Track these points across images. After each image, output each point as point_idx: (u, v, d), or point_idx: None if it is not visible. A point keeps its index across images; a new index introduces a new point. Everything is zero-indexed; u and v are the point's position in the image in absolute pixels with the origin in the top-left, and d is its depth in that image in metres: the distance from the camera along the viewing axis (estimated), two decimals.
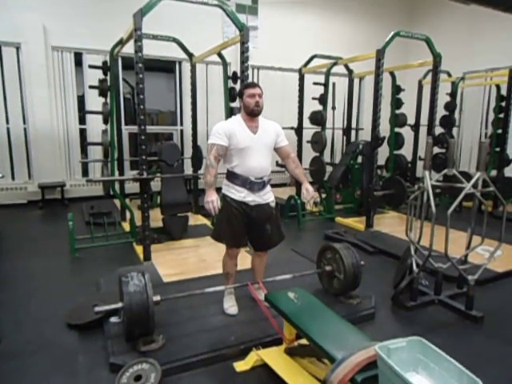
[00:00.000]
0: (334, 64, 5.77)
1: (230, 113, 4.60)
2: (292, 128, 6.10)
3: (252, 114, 2.50)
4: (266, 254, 2.85)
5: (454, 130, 7.05)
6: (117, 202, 5.78)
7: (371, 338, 1.81)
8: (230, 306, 2.72)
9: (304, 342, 2.10)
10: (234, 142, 2.48)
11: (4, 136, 6.25)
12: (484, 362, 2.31)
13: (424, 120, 5.58)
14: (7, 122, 6.26)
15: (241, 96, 2.55)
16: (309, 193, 2.71)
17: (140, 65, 3.32)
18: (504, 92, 6.30)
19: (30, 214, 5.90)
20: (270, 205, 2.67)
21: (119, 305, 2.27)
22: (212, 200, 2.47)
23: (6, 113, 6.24)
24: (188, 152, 6.62)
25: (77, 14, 6.30)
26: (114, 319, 2.54)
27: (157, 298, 2.34)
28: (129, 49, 3.83)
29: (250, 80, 3.97)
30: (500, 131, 6.29)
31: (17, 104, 6.28)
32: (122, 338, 2.31)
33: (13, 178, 6.43)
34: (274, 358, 2.19)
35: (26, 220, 5.59)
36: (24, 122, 6.36)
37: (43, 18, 6.07)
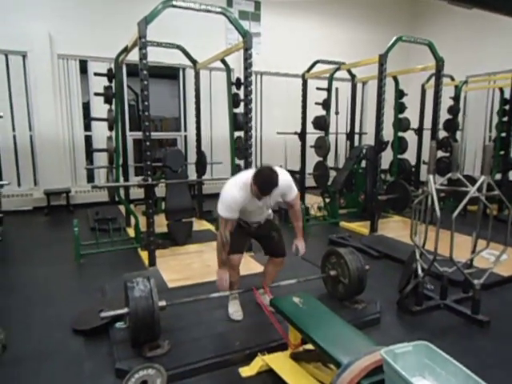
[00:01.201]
0: (337, 69, 5.79)
1: (233, 119, 4.63)
2: (295, 133, 6.13)
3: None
4: (280, 263, 2.83)
5: (458, 134, 7.04)
6: (122, 207, 5.80)
7: (377, 343, 1.81)
8: (235, 311, 2.72)
9: (309, 347, 2.10)
10: (242, 209, 2.48)
11: (10, 143, 6.31)
12: (491, 367, 2.29)
13: (427, 124, 5.58)
14: (13, 129, 6.32)
15: (253, 180, 2.32)
16: (298, 250, 2.76)
17: (144, 72, 3.36)
18: (507, 95, 6.29)
19: (35, 220, 5.94)
20: (268, 218, 2.77)
21: (125, 310, 2.28)
22: (225, 279, 2.53)
23: (13, 120, 6.30)
24: (192, 158, 6.66)
25: (82, 23, 6.38)
26: (119, 325, 2.55)
27: (162, 303, 2.35)
28: (133, 56, 3.87)
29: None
30: (504, 134, 6.27)
31: (23, 111, 6.35)
32: (128, 343, 2.32)
33: (19, 185, 6.48)
34: (280, 363, 2.19)
35: (32, 226, 5.63)
36: (30, 129, 6.42)
37: (49, 27, 6.15)
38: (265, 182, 2.30)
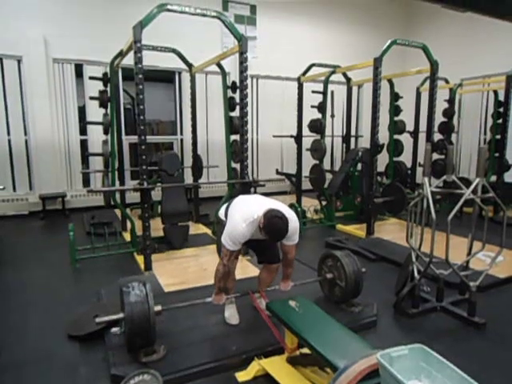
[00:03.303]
0: (332, 72, 5.82)
1: (229, 122, 4.63)
2: (291, 136, 6.14)
3: None
4: (275, 270, 2.79)
5: (453, 136, 7.08)
6: (117, 211, 5.79)
7: (373, 346, 1.80)
8: (231, 315, 2.71)
9: (306, 350, 2.09)
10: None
11: (5, 147, 6.28)
12: (487, 369, 2.29)
13: (423, 127, 5.61)
14: (8, 133, 6.29)
15: (263, 227, 2.28)
16: (284, 287, 2.75)
17: (140, 76, 3.36)
18: (502, 98, 6.34)
19: (31, 224, 5.90)
20: None
21: (120, 315, 2.26)
22: (221, 304, 2.62)
23: (8, 124, 6.27)
24: (188, 161, 6.65)
25: (77, 27, 6.38)
26: (115, 330, 2.53)
27: (158, 308, 2.33)
28: (129, 60, 3.87)
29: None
30: (499, 137, 6.31)
31: (18, 116, 6.32)
32: (123, 348, 2.30)
33: (14, 189, 6.45)
34: (276, 367, 2.18)
35: (28, 231, 5.59)
36: (25, 134, 6.39)
37: (44, 31, 6.14)
38: (275, 233, 2.29)
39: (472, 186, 2.74)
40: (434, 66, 4.96)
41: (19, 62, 6.18)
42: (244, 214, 2.39)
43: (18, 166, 6.43)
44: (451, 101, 6.67)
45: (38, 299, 3.27)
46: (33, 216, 6.27)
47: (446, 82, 6.92)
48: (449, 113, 6.60)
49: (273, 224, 2.26)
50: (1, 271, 3.95)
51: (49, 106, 6.34)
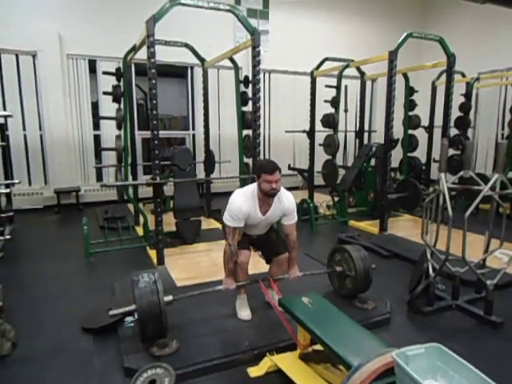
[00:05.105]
0: (346, 66, 5.73)
1: (241, 117, 4.62)
2: (304, 131, 6.09)
3: (267, 195, 2.49)
4: (284, 261, 2.77)
5: (470, 132, 6.93)
6: (130, 206, 5.83)
7: (387, 344, 1.78)
8: (243, 311, 2.70)
9: (319, 347, 2.07)
10: (246, 221, 2.58)
11: (21, 142, 6.38)
12: (504, 369, 2.24)
13: (438, 121, 5.50)
14: (24, 128, 6.39)
15: (258, 176, 2.48)
16: (293, 274, 2.78)
17: (153, 70, 3.36)
18: None
19: (45, 218, 6.00)
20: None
21: (132, 307, 2.28)
22: (231, 289, 2.62)
23: (23, 120, 6.36)
24: (200, 156, 6.66)
25: (91, 22, 6.42)
26: (128, 320, 2.56)
27: (168, 298, 2.36)
28: (142, 55, 3.88)
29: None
30: None
31: (33, 111, 6.41)
32: (137, 342, 2.32)
33: (29, 184, 6.55)
34: (288, 363, 2.17)
35: (42, 225, 5.68)
36: (40, 129, 6.48)
37: (58, 27, 6.20)
38: (267, 164, 2.48)
39: (491, 182, 2.68)
40: (450, 59, 4.84)
41: (34, 57, 6.25)
42: (240, 191, 2.61)
43: (34, 161, 6.53)
44: (468, 95, 6.52)
45: (52, 292, 3.31)
46: (48, 210, 6.36)
47: (463, 75, 6.76)
48: (465, 107, 6.45)
49: (260, 162, 2.60)
50: (16, 264, 4.03)
51: (63, 102, 6.41)
